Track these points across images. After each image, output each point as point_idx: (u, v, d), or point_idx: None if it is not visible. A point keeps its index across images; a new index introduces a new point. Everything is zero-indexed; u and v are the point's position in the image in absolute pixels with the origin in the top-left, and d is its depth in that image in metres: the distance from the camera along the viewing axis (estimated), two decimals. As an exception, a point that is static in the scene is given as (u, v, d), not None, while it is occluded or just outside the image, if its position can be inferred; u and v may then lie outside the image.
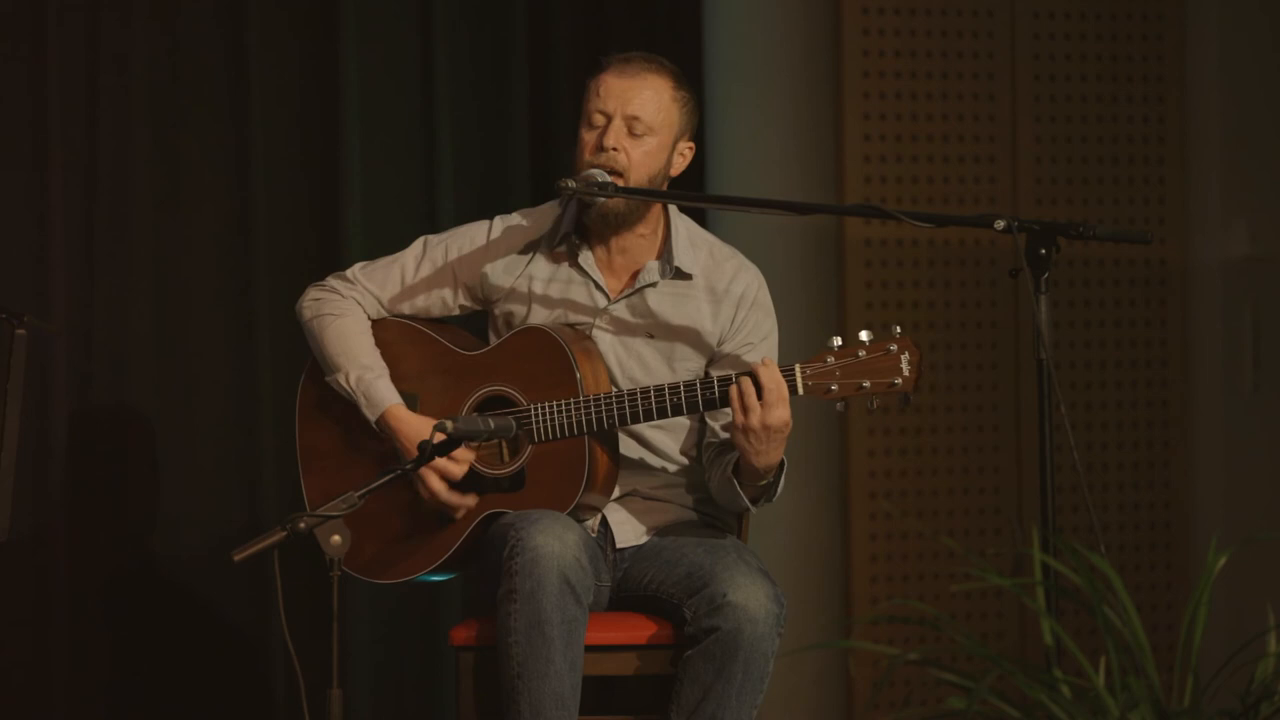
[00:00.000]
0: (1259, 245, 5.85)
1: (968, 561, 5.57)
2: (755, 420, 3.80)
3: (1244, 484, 5.87)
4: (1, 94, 4.92)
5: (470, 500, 3.99)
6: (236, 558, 3.62)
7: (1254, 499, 5.83)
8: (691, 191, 4.21)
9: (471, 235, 4.16)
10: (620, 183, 4.00)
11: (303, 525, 3.61)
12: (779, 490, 3.99)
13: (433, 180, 5.26)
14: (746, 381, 3.81)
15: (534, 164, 5.34)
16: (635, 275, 4.08)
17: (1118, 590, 2.80)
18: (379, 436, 4.06)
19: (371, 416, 4.03)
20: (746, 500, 3.96)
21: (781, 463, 3.93)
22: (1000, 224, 3.78)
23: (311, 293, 4.18)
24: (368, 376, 4.05)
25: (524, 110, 5.35)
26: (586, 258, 4.08)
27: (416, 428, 3.99)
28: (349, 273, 4.19)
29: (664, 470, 4.10)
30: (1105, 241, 3.93)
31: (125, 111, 5.01)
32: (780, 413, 3.80)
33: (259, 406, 5.06)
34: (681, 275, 4.08)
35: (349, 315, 4.12)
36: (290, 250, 5.11)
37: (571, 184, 3.96)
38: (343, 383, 4.06)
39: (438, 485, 3.97)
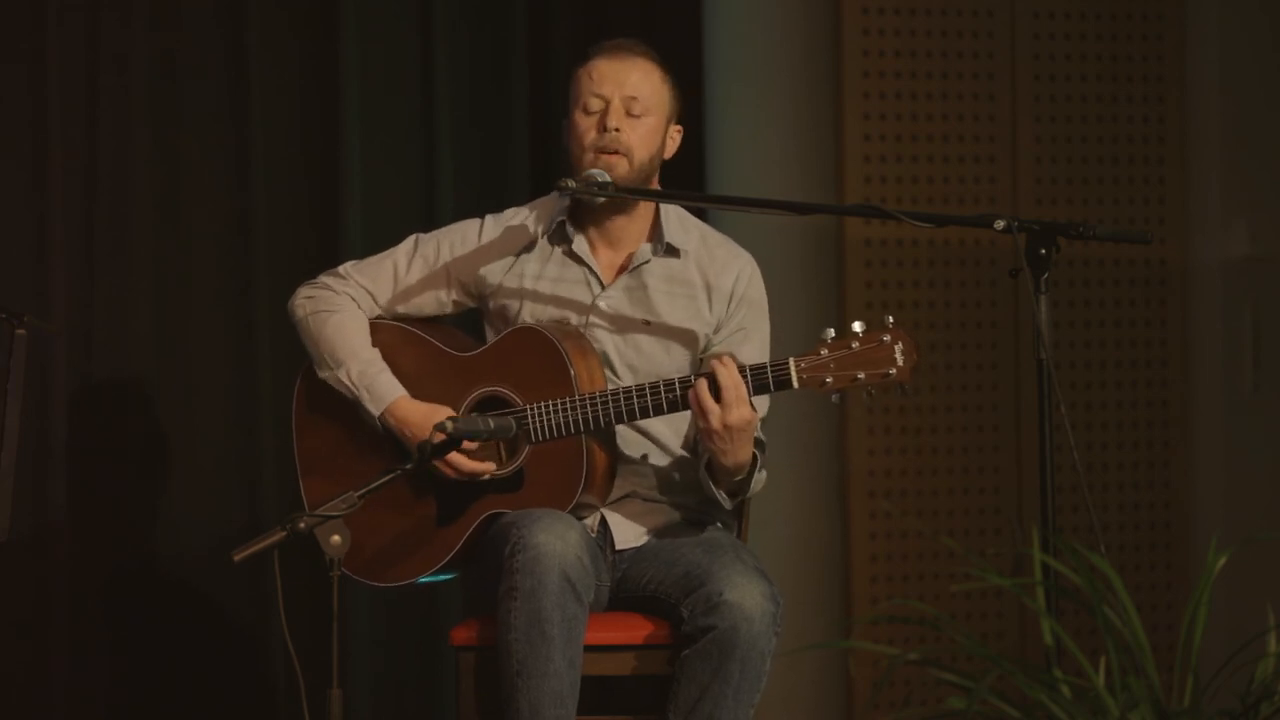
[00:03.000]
0: (1259, 245, 5.85)
1: (968, 561, 5.56)
2: (715, 421, 3.80)
3: (1244, 484, 5.87)
4: (1, 94, 4.92)
5: (491, 466, 3.98)
6: (236, 558, 3.62)
7: (1254, 499, 5.82)
8: (691, 191, 4.21)
9: (464, 232, 4.17)
10: (624, 163, 4.01)
11: (303, 525, 3.61)
12: (755, 485, 3.99)
13: (433, 180, 5.27)
14: (703, 383, 3.81)
15: (534, 164, 5.34)
16: (629, 259, 4.09)
17: (1118, 590, 2.80)
18: (378, 435, 4.06)
19: (375, 410, 4.02)
20: (721, 496, 3.97)
21: (755, 458, 3.93)
22: (1000, 224, 3.78)
23: (304, 291, 4.17)
24: (370, 370, 4.04)
25: (524, 110, 5.36)
26: (581, 245, 4.09)
27: (425, 417, 3.97)
28: (340, 269, 4.19)
29: (664, 467, 4.09)
30: (1105, 241, 3.93)
31: (125, 111, 5.01)
32: (740, 412, 3.80)
33: (259, 406, 5.06)
34: (672, 252, 4.08)
35: (345, 311, 4.12)
36: (290, 250, 5.11)
37: (571, 183, 3.97)
38: (343, 378, 4.05)
39: (457, 459, 3.95)
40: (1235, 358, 5.90)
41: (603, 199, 4.01)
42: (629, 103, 4.04)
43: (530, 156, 5.35)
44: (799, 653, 4.63)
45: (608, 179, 3.99)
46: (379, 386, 4.03)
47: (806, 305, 5.52)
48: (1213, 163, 5.95)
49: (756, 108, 5.58)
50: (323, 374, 4.08)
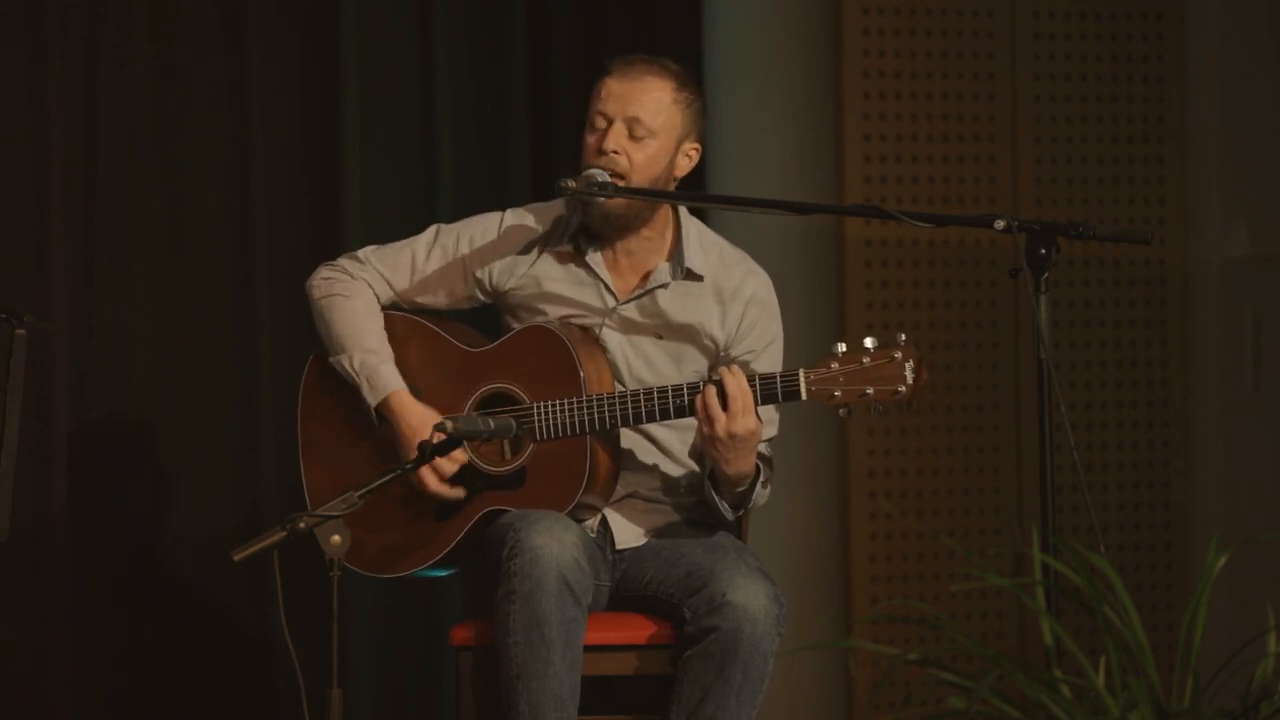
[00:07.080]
0: (1259, 245, 5.85)
1: (968, 561, 5.57)
2: (720, 429, 3.80)
3: (1244, 484, 5.87)
4: (1, 94, 4.92)
5: (461, 493, 3.98)
6: (236, 558, 3.62)
7: (1254, 499, 5.82)
8: (691, 191, 4.21)
9: (484, 227, 4.15)
10: (622, 184, 4.00)
11: (303, 525, 3.61)
12: (757, 498, 3.99)
13: (433, 180, 5.27)
14: (710, 390, 3.81)
15: (534, 164, 5.34)
16: (646, 276, 4.08)
17: (1118, 590, 2.80)
18: (380, 427, 4.05)
19: (372, 401, 4.01)
20: (724, 507, 3.96)
21: (758, 469, 3.93)
22: (1000, 224, 3.78)
23: (323, 271, 4.16)
24: (372, 360, 4.04)
25: (524, 110, 5.36)
26: (595, 258, 4.08)
27: (418, 417, 3.97)
28: (360, 253, 4.18)
29: (667, 471, 4.09)
30: (1105, 241, 3.93)
31: (125, 111, 5.01)
32: (745, 421, 3.80)
33: (259, 406, 5.06)
34: (693, 277, 4.08)
35: (359, 297, 4.11)
36: (290, 250, 5.10)
37: (571, 183, 3.96)
38: (346, 365, 4.05)
39: (429, 479, 3.96)
40: (1235, 358, 5.90)
41: (602, 199, 3.99)
42: (632, 124, 4.01)
43: (530, 156, 5.35)
44: (799, 653, 4.63)
45: (606, 178, 3.98)
46: (379, 378, 4.02)
47: (806, 305, 5.52)
48: (1213, 163, 5.95)
49: (756, 108, 5.58)
50: (330, 358, 4.08)
